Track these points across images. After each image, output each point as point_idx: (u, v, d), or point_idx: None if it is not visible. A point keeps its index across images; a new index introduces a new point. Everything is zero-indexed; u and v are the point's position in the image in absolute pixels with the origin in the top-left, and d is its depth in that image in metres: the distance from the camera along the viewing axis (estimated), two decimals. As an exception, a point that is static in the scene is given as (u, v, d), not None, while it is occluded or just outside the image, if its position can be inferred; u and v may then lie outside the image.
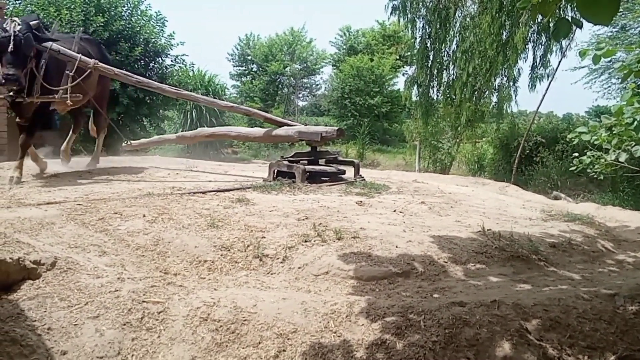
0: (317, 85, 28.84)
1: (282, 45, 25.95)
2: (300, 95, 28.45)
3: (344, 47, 29.00)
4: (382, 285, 2.83)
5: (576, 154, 5.71)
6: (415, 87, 13.34)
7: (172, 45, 12.42)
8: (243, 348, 2.11)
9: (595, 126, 4.84)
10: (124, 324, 2.15)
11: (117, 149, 8.72)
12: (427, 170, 13.50)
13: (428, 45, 12.62)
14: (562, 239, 3.78)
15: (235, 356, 2.08)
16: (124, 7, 11.73)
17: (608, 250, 3.87)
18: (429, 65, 12.72)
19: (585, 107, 36.01)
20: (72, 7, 10.65)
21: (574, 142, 5.35)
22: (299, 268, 3.03)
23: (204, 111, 14.66)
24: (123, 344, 2.06)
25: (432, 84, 12.95)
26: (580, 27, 2.05)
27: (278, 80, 25.92)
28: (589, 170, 5.63)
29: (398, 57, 25.43)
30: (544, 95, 11.55)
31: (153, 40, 11.92)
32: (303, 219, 3.73)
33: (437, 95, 13.15)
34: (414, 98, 13.75)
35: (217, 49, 59.54)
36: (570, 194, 8.98)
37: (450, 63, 12.66)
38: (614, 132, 4.61)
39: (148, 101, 11.93)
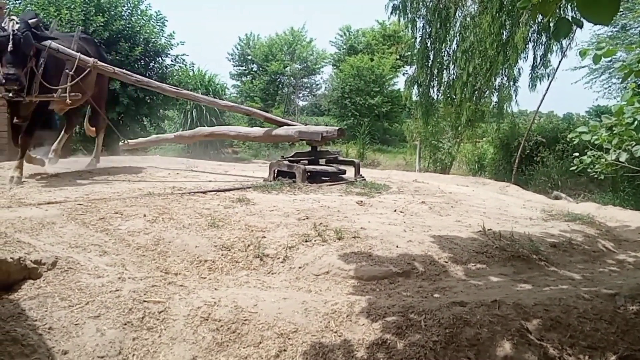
0: (317, 85, 28.94)
1: (282, 45, 25.94)
2: (301, 95, 28.51)
3: (344, 46, 29.01)
4: (383, 285, 2.83)
5: (576, 154, 5.70)
6: (415, 87, 13.34)
7: (172, 45, 12.46)
8: (244, 348, 2.12)
9: (596, 126, 4.83)
10: (125, 324, 2.15)
11: (116, 149, 8.73)
12: (428, 170, 13.48)
13: (428, 45, 12.62)
14: (562, 239, 3.77)
15: (236, 356, 2.08)
16: (124, 6, 11.76)
17: (609, 250, 3.86)
18: (429, 65, 12.71)
19: (585, 107, 36.09)
20: (72, 6, 10.66)
21: (575, 142, 5.35)
22: (300, 268, 3.03)
23: (204, 111, 14.66)
24: (124, 344, 2.06)
25: (432, 83, 12.94)
26: (581, 26, 2.05)
27: (278, 80, 25.92)
28: (589, 170, 5.63)
29: (398, 57, 25.43)
30: (544, 95, 11.58)
31: (153, 40, 11.94)
32: (303, 219, 3.73)
33: (438, 95, 13.15)
34: (414, 98, 13.74)
35: (217, 49, 59.68)
36: (570, 194, 8.98)
37: (451, 63, 12.65)
38: (614, 131, 4.60)
39: (148, 101, 11.94)
